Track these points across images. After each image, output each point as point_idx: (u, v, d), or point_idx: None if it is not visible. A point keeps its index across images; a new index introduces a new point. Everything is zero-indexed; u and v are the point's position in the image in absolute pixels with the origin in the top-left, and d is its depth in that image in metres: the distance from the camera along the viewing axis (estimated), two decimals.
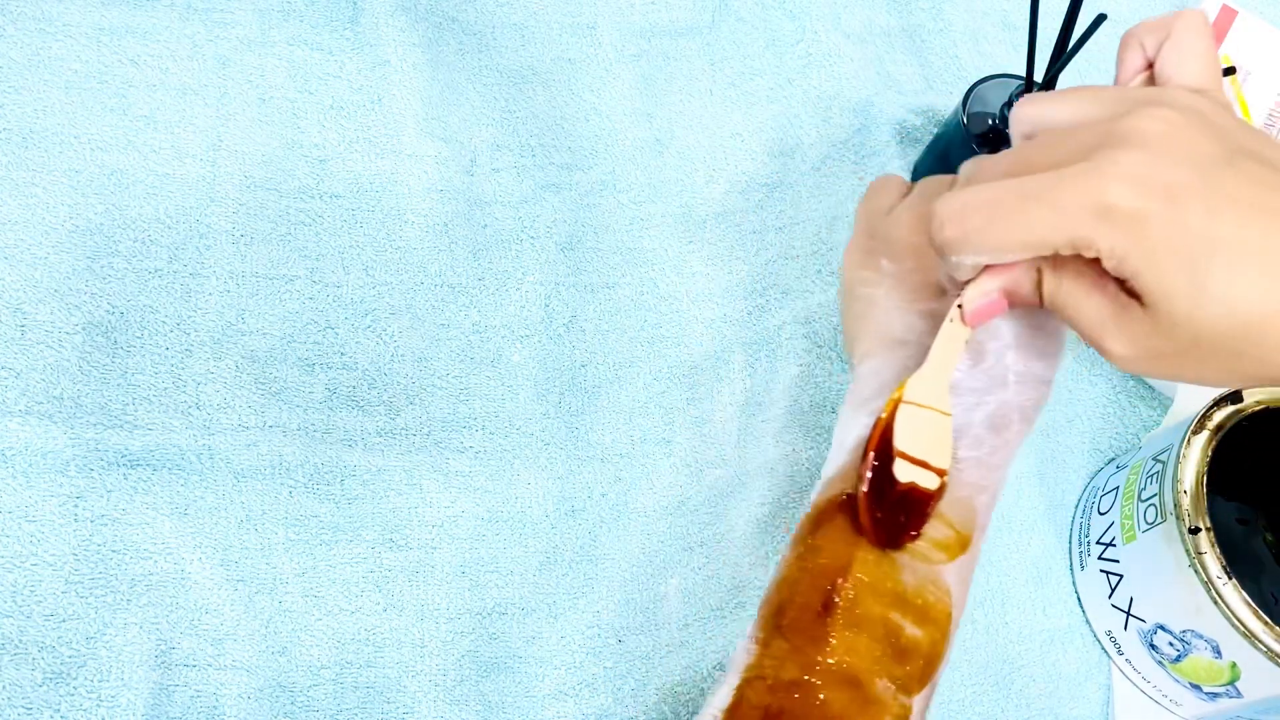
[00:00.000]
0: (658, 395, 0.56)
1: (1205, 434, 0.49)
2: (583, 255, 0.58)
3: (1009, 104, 0.57)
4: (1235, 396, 0.50)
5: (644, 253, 0.59)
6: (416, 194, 0.57)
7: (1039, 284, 0.37)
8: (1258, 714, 0.50)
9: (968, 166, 0.39)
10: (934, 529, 0.41)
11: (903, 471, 0.40)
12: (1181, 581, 0.47)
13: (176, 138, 0.56)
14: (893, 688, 0.39)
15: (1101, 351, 0.36)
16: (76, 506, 0.48)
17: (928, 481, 0.40)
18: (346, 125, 0.58)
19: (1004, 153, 0.38)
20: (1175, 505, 0.48)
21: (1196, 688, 0.51)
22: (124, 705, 0.46)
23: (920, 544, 0.41)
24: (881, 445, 0.40)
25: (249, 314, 0.53)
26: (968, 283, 0.38)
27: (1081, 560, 0.56)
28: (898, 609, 0.39)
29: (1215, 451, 0.49)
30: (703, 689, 0.50)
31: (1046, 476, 0.58)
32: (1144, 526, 0.50)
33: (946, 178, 0.49)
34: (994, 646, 0.54)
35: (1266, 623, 0.45)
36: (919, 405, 0.40)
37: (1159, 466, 0.50)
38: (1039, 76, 0.54)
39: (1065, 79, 0.57)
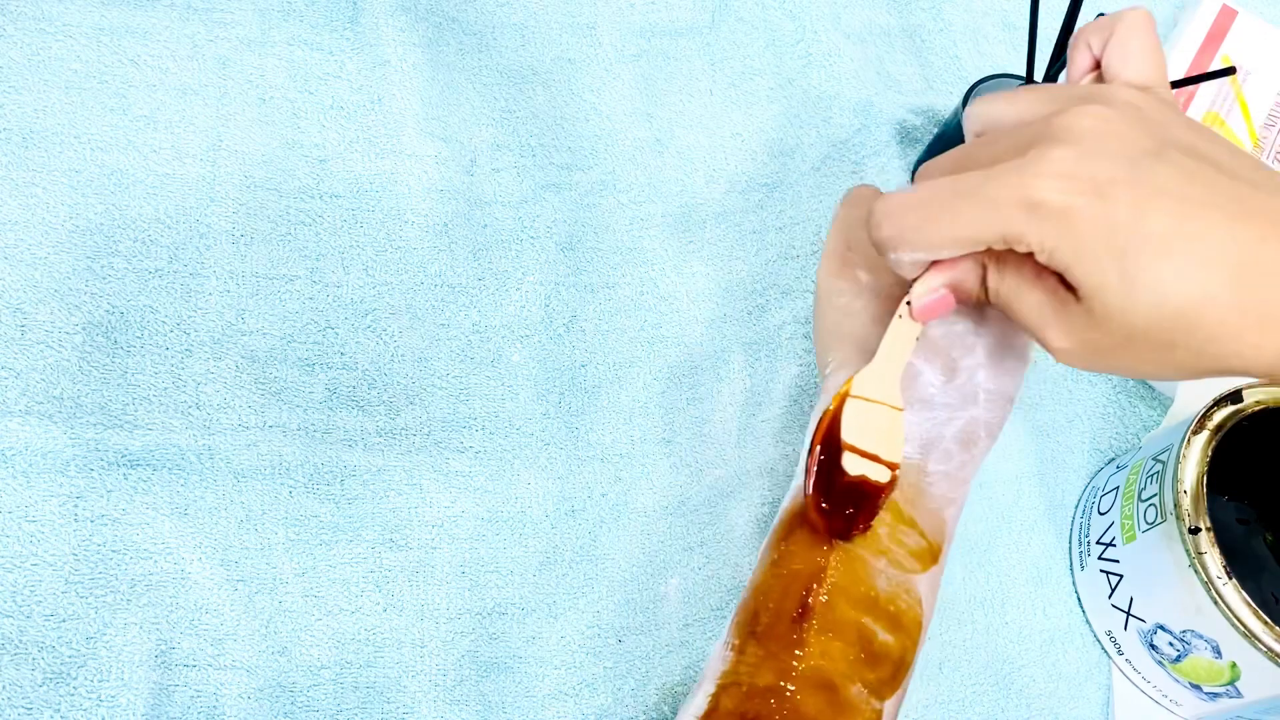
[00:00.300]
0: (658, 395, 0.56)
1: (1205, 434, 0.49)
2: (583, 255, 0.58)
3: None
4: (1235, 396, 0.50)
5: (644, 253, 0.59)
6: (416, 194, 0.57)
7: (983, 280, 0.38)
8: (1258, 714, 0.50)
9: (919, 168, 0.40)
10: (909, 538, 0.41)
11: (852, 464, 0.40)
12: (1181, 581, 0.47)
13: (176, 138, 0.56)
14: (865, 692, 0.39)
15: (1043, 345, 0.36)
16: (76, 506, 0.48)
17: (878, 475, 0.40)
18: (346, 125, 0.58)
19: (950, 151, 0.39)
20: (1175, 505, 0.48)
21: (1196, 688, 0.51)
22: (124, 705, 0.46)
23: (898, 552, 0.41)
24: (828, 439, 0.40)
25: (249, 314, 0.53)
26: (915, 280, 0.39)
27: (1081, 560, 0.56)
28: (870, 614, 0.40)
29: (1215, 451, 0.49)
30: None
31: (1046, 476, 0.58)
32: (1144, 526, 0.50)
33: None
34: (994, 646, 0.54)
35: (1266, 623, 0.45)
36: (868, 400, 0.40)
37: (1159, 466, 0.50)
38: (1039, 76, 0.55)
39: (1065, 79, 0.57)
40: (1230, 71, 0.50)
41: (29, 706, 0.45)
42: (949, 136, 0.60)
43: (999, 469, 0.57)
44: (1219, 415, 0.50)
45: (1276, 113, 0.66)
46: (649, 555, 0.53)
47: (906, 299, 0.40)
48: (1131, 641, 0.53)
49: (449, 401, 0.54)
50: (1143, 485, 0.51)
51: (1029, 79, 0.55)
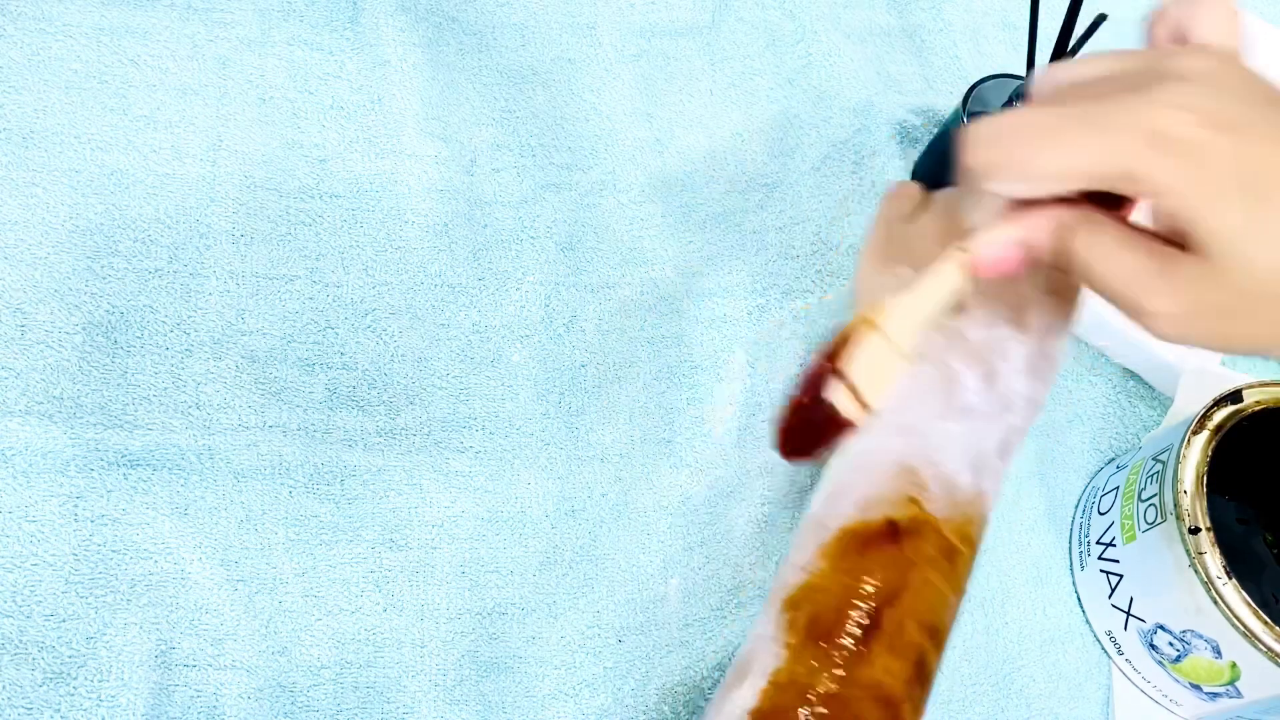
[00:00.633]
0: (658, 395, 0.56)
1: (1205, 434, 0.49)
2: (583, 255, 0.58)
3: (1009, 104, 0.57)
4: (1235, 396, 0.50)
5: (644, 253, 0.59)
6: (416, 194, 0.57)
7: (1059, 237, 0.34)
8: (1258, 714, 0.50)
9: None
10: (966, 568, 0.41)
11: (834, 392, 0.38)
12: (1181, 581, 0.47)
13: (176, 138, 0.56)
14: (911, 709, 0.39)
15: (1138, 313, 0.32)
16: (76, 506, 0.48)
17: (850, 413, 0.38)
18: (346, 125, 0.58)
19: (1041, 99, 0.35)
20: (1175, 505, 0.47)
21: (1196, 688, 0.51)
22: (124, 705, 0.46)
23: (963, 584, 0.41)
24: (829, 356, 0.39)
25: (249, 314, 0.53)
26: (976, 232, 0.35)
27: (1081, 560, 0.56)
28: (929, 638, 0.40)
29: (1215, 451, 0.49)
30: (703, 689, 0.50)
31: (1046, 476, 0.58)
32: (1144, 526, 0.50)
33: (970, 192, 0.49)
34: (994, 646, 0.54)
35: (1266, 623, 0.45)
36: (883, 335, 0.38)
37: (1159, 466, 0.50)
38: None
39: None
40: None
41: (29, 706, 0.45)
42: (949, 137, 0.60)
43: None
44: (1219, 415, 0.50)
45: None
46: (649, 555, 0.53)
47: (961, 245, 0.36)
48: (1131, 641, 0.53)
49: (449, 401, 0.54)
50: (1143, 485, 0.51)
51: (1029, 79, 0.55)
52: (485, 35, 0.62)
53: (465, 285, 0.56)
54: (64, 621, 0.46)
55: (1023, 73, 0.56)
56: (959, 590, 0.41)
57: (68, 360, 0.50)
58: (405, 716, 0.48)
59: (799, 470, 0.54)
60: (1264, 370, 0.63)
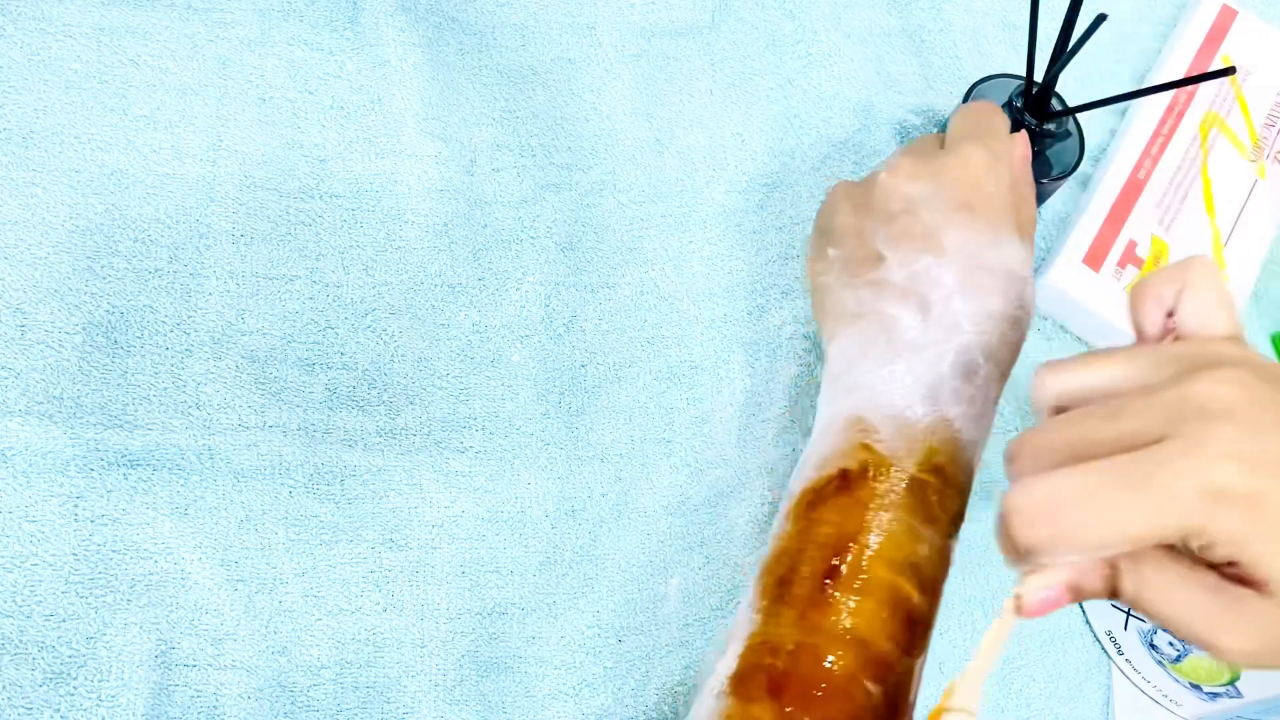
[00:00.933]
0: (658, 395, 0.56)
1: None
2: (583, 255, 0.58)
3: (1009, 104, 0.57)
4: None
5: (644, 253, 0.59)
6: (416, 194, 0.57)
7: (1111, 577, 0.34)
8: (1258, 714, 0.50)
9: (1012, 446, 0.36)
10: (953, 502, 0.42)
11: None
12: None
13: (176, 138, 0.56)
14: (897, 650, 0.39)
15: (1212, 649, 0.32)
16: (76, 506, 0.48)
17: None
18: (346, 125, 0.58)
19: (1053, 425, 0.35)
20: None
21: (1197, 688, 0.51)
22: (124, 705, 0.46)
23: (943, 519, 0.42)
24: None
25: (249, 314, 0.53)
26: (1028, 574, 0.35)
27: None
28: (906, 576, 0.40)
29: None
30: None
31: None
32: None
33: (938, 135, 0.51)
34: None
35: None
36: (956, 710, 0.38)
37: None
38: (1039, 76, 0.55)
39: (1065, 79, 0.57)
40: (1230, 71, 0.50)
41: (29, 706, 0.45)
42: None
43: (999, 467, 0.57)
44: None
45: (1276, 113, 0.66)
46: (649, 555, 0.53)
47: (1010, 597, 0.36)
48: (1131, 641, 0.53)
49: (449, 401, 0.54)
50: None
51: (1029, 79, 0.55)
52: (485, 35, 0.62)
53: (465, 285, 0.56)
54: (64, 621, 0.46)
55: (1022, 73, 0.56)
56: (938, 520, 0.42)
57: (68, 360, 0.50)
58: (405, 716, 0.48)
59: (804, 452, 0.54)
60: None
